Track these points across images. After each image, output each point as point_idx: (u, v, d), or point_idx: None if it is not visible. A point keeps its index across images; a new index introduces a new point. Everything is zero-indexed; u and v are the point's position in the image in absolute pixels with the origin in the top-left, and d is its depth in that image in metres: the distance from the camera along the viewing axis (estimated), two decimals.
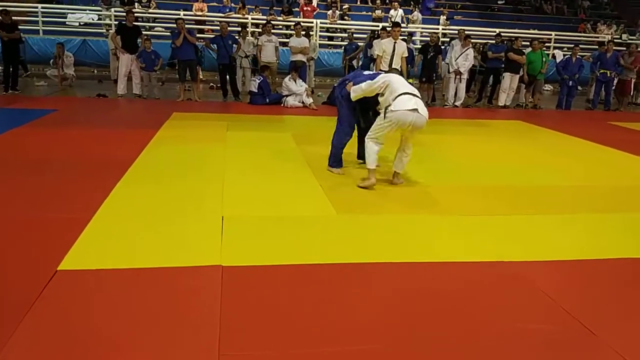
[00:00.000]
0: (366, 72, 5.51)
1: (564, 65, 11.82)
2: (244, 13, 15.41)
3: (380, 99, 4.92)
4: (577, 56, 11.71)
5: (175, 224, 3.81)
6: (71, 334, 2.44)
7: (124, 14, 11.17)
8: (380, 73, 5.30)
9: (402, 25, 16.07)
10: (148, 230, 3.68)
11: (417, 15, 16.72)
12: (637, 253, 3.66)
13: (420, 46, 12.18)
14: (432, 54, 11.10)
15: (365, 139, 5.04)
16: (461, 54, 11.07)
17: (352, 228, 3.92)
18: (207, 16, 15.41)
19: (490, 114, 10.60)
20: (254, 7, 16.01)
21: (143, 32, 11.39)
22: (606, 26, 18.30)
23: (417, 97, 4.85)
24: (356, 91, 5.11)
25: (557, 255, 3.57)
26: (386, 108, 4.76)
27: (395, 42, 7.53)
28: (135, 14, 12.62)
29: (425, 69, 11.23)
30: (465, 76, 11.30)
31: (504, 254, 3.55)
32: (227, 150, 6.19)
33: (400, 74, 5.68)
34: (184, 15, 13.75)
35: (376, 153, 4.94)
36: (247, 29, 13.35)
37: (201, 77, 12.05)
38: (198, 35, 12.97)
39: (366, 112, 5.41)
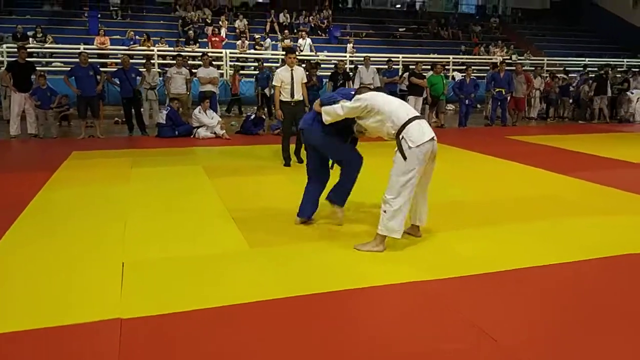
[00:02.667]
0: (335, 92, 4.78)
1: (459, 86, 12.57)
2: (149, 45, 15.01)
3: (363, 122, 4.08)
4: (472, 77, 12.49)
5: (67, 275, 3.47)
6: None
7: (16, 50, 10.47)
8: (352, 91, 4.48)
9: (312, 54, 16.42)
10: (35, 285, 3.31)
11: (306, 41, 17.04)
12: (542, 261, 3.78)
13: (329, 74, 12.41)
14: (341, 80, 11.37)
15: (390, 208, 3.82)
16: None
17: (266, 262, 3.77)
18: (110, 49, 14.85)
19: None
20: (159, 38, 15.64)
21: (37, 69, 10.72)
22: (498, 48, 19.66)
23: (420, 116, 4.05)
24: (329, 113, 4.15)
25: (468, 271, 3.59)
26: (400, 143, 3.81)
27: (292, 70, 7.02)
28: (30, 50, 11.88)
29: None
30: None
31: (418, 274, 3.53)
32: (130, 188, 5.86)
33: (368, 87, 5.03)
34: (85, 49, 13.15)
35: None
36: (152, 61, 12.99)
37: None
38: (102, 69, 12.42)
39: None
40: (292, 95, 7.03)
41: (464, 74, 15.47)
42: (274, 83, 7.21)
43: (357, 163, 4.54)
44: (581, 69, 18.19)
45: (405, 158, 3.80)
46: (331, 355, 2.59)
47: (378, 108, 3.96)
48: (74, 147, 8.47)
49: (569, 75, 15.56)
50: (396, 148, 3.89)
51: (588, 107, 14.10)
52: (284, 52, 14.75)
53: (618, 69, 16.13)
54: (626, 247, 4.10)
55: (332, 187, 4.64)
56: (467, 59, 18.30)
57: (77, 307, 3.02)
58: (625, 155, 8.30)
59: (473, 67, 13.72)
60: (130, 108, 10.22)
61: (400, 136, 3.84)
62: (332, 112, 4.17)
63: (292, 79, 7.00)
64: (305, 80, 7.29)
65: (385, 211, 3.87)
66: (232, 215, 4.83)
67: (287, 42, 16.95)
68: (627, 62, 19.46)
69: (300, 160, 7.23)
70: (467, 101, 12.31)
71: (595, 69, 16.24)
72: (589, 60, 19.23)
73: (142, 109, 10.58)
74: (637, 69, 15.64)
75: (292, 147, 7.35)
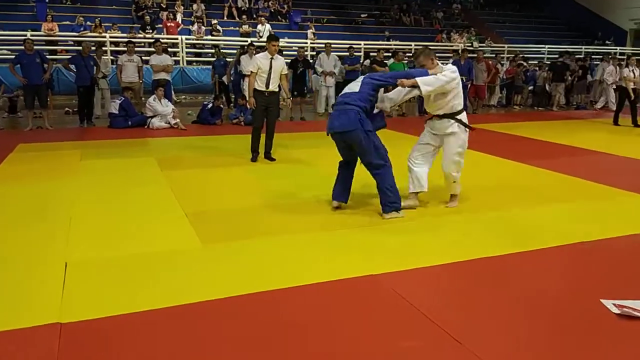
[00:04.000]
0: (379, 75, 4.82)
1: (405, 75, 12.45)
2: (101, 31, 14.42)
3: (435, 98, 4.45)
4: (466, 59, 12.37)
5: (4, 277, 3.25)
6: None
7: None
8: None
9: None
10: None
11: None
12: (498, 251, 3.75)
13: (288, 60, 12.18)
14: (301, 68, 11.17)
15: (450, 180, 4.71)
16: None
17: (218, 259, 3.61)
18: (58, 36, 14.20)
19: None
20: (111, 24, 15.05)
21: None
22: (459, 35, 19.76)
23: None
24: (432, 84, 4.31)
25: (423, 262, 3.54)
26: (459, 120, 4.52)
27: (272, 58, 6.59)
28: None
29: (296, 83, 11.25)
30: (333, 82, 11.64)
31: (372, 267, 3.44)
32: (78, 182, 5.58)
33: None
34: (32, 35, 12.53)
35: None
36: (104, 48, 12.49)
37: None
38: (50, 57, 11.87)
39: None
40: (267, 85, 6.63)
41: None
42: (250, 69, 6.77)
43: (389, 169, 4.48)
44: (542, 56, 18.55)
45: (466, 131, 4.55)
46: (285, 354, 2.47)
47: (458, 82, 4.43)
48: (20, 139, 8.06)
49: (528, 62, 15.75)
50: (450, 129, 4.53)
51: (546, 94, 14.32)
52: (246, 39, 14.58)
53: (576, 56, 16.45)
54: (583, 234, 4.11)
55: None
56: (429, 45, 18.24)
57: (13, 311, 2.83)
58: (579, 142, 8.46)
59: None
60: (87, 97, 9.79)
61: (459, 116, 4.51)
62: (435, 82, 4.32)
63: (271, 67, 6.60)
64: (285, 72, 6.85)
65: (455, 182, 4.72)
66: (184, 210, 4.64)
67: (246, 27, 16.58)
68: (585, 49, 19.87)
69: (271, 158, 6.90)
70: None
71: (556, 55, 16.51)
72: (549, 48, 19.56)
73: (93, 99, 10.16)
74: (600, 56, 15.96)
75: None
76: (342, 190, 4.74)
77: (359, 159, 4.60)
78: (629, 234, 4.19)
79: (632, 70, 10.46)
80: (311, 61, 12.44)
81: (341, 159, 4.74)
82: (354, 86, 4.57)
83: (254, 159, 6.80)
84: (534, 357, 2.50)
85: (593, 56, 18.14)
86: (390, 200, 4.45)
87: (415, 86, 4.41)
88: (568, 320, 2.83)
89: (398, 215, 4.47)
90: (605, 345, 2.61)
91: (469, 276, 3.41)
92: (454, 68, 4.52)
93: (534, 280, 3.35)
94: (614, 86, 12.99)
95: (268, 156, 6.89)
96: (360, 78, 4.70)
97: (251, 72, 6.71)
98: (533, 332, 2.70)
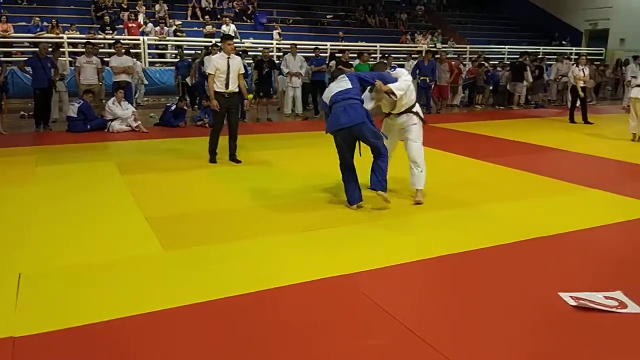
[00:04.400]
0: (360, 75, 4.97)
1: (418, 68, 12.49)
2: (58, 32, 14.01)
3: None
4: (430, 59, 12.52)
5: None
6: None
7: None
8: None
9: (236, 40, 15.97)
10: None
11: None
12: (460, 248, 3.82)
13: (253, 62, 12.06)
14: (266, 69, 11.08)
15: (419, 170, 4.95)
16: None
17: (180, 265, 3.54)
18: (13, 37, 13.74)
19: (324, 124, 10.77)
20: (69, 25, 14.64)
21: None
22: (422, 36, 20.00)
23: None
24: (403, 89, 4.73)
25: (389, 262, 3.56)
26: (417, 113, 4.92)
27: (228, 58, 6.51)
28: None
29: (261, 84, 11.16)
30: (300, 82, 11.60)
31: (339, 267, 3.45)
32: (34, 189, 5.38)
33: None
34: None
35: None
36: (62, 49, 12.14)
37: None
38: (5, 59, 11.47)
39: None
40: (227, 86, 6.52)
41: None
42: (208, 71, 6.64)
43: (385, 147, 4.77)
44: (502, 56, 18.93)
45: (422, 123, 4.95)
46: (248, 358, 2.44)
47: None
48: None
49: (489, 62, 16.04)
50: (412, 122, 4.92)
51: (507, 93, 14.61)
52: (210, 40, 14.35)
53: (536, 56, 16.86)
54: (543, 229, 4.23)
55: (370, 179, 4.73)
56: (394, 46, 18.45)
57: None
58: (538, 140, 8.70)
59: (397, 56, 13.78)
60: (44, 100, 9.45)
61: (414, 109, 4.92)
62: (404, 86, 4.76)
63: (229, 67, 6.48)
64: (242, 71, 6.74)
65: (422, 171, 4.96)
66: (145, 216, 4.53)
67: (210, 28, 16.38)
68: (543, 49, 20.39)
69: (237, 160, 6.80)
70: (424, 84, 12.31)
71: (517, 56, 16.87)
72: (509, 48, 19.98)
73: (51, 102, 9.84)
74: (554, 56, 16.38)
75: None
76: (358, 191, 4.85)
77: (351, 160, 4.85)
78: (586, 228, 4.34)
79: (582, 69, 10.77)
80: (277, 62, 12.36)
81: (341, 164, 4.84)
82: (344, 83, 4.70)
83: (212, 160, 6.72)
84: (495, 351, 2.54)
85: (550, 56, 18.62)
86: (384, 179, 4.68)
87: (389, 92, 4.69)
88: (528, 313, 2.92)
89: (385, 195, 4.69)
90: (562, 336, 2.69)
91: (432, 274, 3.47)
92: (405, 71, 5.01)
93: (495, 275, 3.43)
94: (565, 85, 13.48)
95: (233, 158, 6.80)
96: (343, 76, 4.83)
97: (209, 73, 6.61)
98: (494, 327, 2.77)
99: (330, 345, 2.58)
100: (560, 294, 3.09)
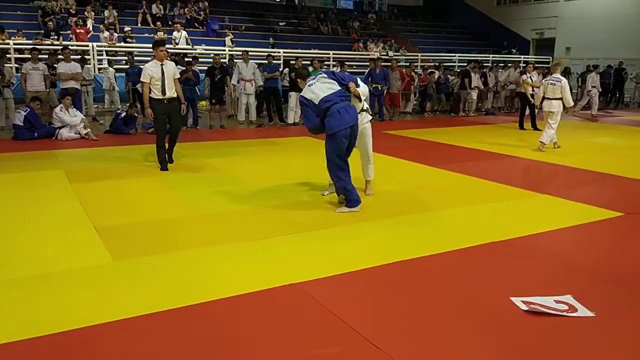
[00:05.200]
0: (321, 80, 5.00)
1: (370, 76, 12.58)
2: (4, 38, 13.49)
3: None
4: (381, 67, 12.69)
5: None
6: None
7: None
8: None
9: (188, 47, 15.80)
10: None
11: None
12: (413, 254, 3.85)
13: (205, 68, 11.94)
14: (219, 75, 11.02)
15: (371, 162, 5.53)
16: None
17: (130, 275, 3.48)
18: None
19: (281, 132, 10.82)
20: (15, 30, 14.11)
21: None
22: (374, 44, 20.34)
23: None
24: (365, 93, 5.21)
25: (341, 269, 3.56)
26: (367, 113, 5.36)
27: (162, 64, 6.50)
28: None
29: (213, 90, 11.08)
30: (253, 89, 11.58)
31: (291, 276, 3.43)
32: None
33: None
34: None
35: None
36: (8, 55, 11.71)
37: None
38: None
39: None
40: (164, 92, 6.52)
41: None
42: (142, 79, 6.59)
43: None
44: (453, 64, 19.42)
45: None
46: None
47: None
48: None
49: (442, 69, 16.42)
50: (366, 119, 5.33)
51: (458, 100, 15.00)
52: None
53: (484, 64, 17.40)
54: (494, 234, 4.31)
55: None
56: (346, 54, 18.65)
57: None
58: (488, 146, 8.94)
59: (350, 64, 13.91)
60: None
61: (365, 107, 5.32)
62: (366, 91, 5.27)
63: (163, 74, 6.48)
64: (177, 76, 6.79)
65: (372, 163, 5.54)
66: (94, 225, 4.43)
67: (161, 34, 16.14)
68: (492, 57, 21.06)
69: (171, 161, 6.84)
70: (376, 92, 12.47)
71: (465, 64, 17.35)
72: (459, 56, 20.53)
73: None
74: (502, 64, 16.93)
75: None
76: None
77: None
78: (536, 233, 4.41)
79: (530, 76, 11.20)
80: (229, 69, 12.28)
81: (336, 163, 4.93)
82: (330, 85, 4.88)
83: (163, 168, 6.67)
84: (448, 356, 2.57)
85: (500, 64, 19.26)
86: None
87: (358, 95, 5.02)
88: (480, 319, 2.93)
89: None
90: (514, 340, 2.73)
91: (385, 280, 3.47)
92: (354, 77, 5.19)
93: (448, 281, 3.45)
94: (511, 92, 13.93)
95: (169, 158, 6.89)
96: (323, 75, 4.99)
97: (143, 82, 6.56)
98: (447, 333, 2.79)
99: (286, 354, 2.57)
100: (512, 298, 3.11)
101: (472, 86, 14.34)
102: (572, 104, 9.02)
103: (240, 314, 2.98)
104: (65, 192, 5.54)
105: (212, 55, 14.18)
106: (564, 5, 23.13)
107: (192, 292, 3.21)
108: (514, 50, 23.96)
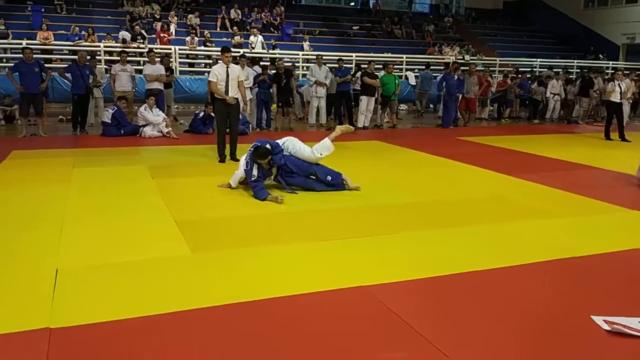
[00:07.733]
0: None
1: (445, 81, 12.53)
2: (94, 40, 14.51)
3: None
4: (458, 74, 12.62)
5: None
6: None
7: None
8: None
9: (264, 51, 16.23)
10: None
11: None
12: (487, 265, 3.75)
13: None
14: (285, 80, 11.19)
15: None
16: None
17: (206, 268, 3.65)
18: (54, 45, 14.26)
19: (351, 136, 10.85)
20: (105, 34, 15.12)
21: None
22: (450, 48, 19.93)
23: None
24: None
25: (411, 275, 3.54)
26: None
27: (227, 67, 7.10)
28: None
29: (280, 93, 11.26)
30: (325, 93, 11.75)
31: (363, 278, 3.46)
32: (70, 190, 5.60)
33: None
34: (28, 44, 12.57)
35: None
36: (98, 57, 12.56)
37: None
38: (46, 65, 11.91)
39: None
40: (227, 93, 7.11)
41: (417, 74, 15.71)
42: (209, 78, 7.29)
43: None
44: (533, 69, 18.64)
45: None
46: None
47: None
48: (13, 146, 8.08)
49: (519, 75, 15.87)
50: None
51: (545, 107, 14.40)
52: (239, 50, 14.63)
53: (569, 70, 16.58)
54: (575, 249, 4.11)
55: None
56: (421, 58, 18.38)
57: (2, 315, 2.85)
58: (570, 156, 8.47)
59: (421, 67, 13.72)
60: (81, 105, 9.87)
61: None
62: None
63: (227, 76, 7.06)
64: (242, 78, 7.39)
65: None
66: (174, 218, 4.68)
67: (238, 38, 16.69)
68: (577, 63, 20.05)
69: (236, 159, 7.19)
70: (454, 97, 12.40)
71: (546, 69, 16.65)
72: (540, 61, 19.69)
73: (88, 107, 10.24)
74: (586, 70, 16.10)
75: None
76: None
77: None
78: (620, 250, 4.15)
79: (618, 84, 10.54)
80: (304, 73, 12.49)
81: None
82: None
83: (221, 161, 7.35)
84: None
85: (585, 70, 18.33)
86: None
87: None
88: (557, 336, 2.79)
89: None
90: None
91: (457, 290, 3.38)
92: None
93: (523, 295, 3.31)
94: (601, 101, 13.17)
95: (233, 157, 7.34)
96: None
97: (210, 81, 7.29)
98: (521, 348, 2.69)
99: (351, 355, 2.58)
100: (593, 317, 2.95)
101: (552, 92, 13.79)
102: None
103: (309, 312, 3.04)
104: (148, 186, 5.89)
105: (285, 58, 14.51)
106: None
107: (264, 286, 3.32)
108: (601, 56, 22.64)
